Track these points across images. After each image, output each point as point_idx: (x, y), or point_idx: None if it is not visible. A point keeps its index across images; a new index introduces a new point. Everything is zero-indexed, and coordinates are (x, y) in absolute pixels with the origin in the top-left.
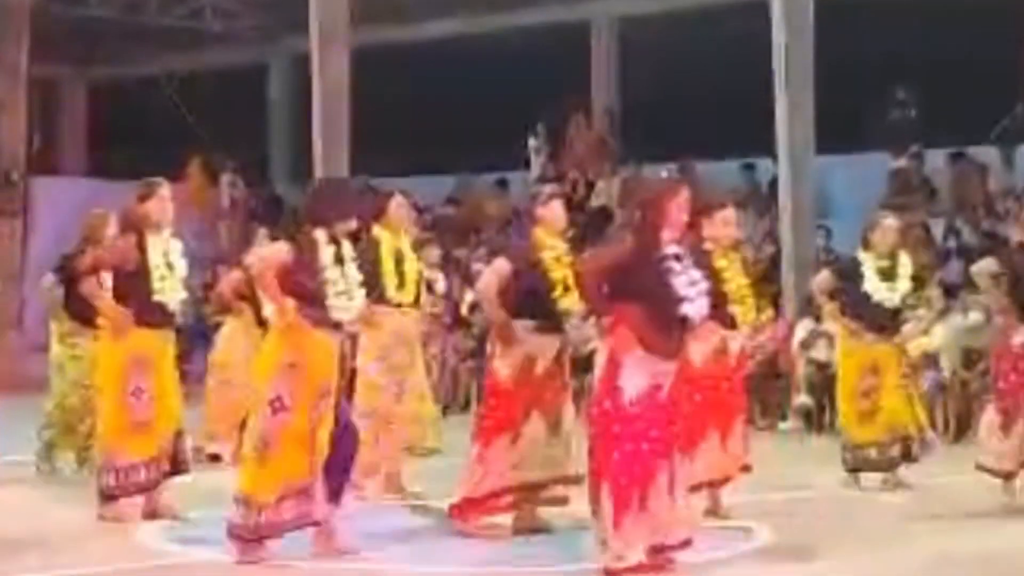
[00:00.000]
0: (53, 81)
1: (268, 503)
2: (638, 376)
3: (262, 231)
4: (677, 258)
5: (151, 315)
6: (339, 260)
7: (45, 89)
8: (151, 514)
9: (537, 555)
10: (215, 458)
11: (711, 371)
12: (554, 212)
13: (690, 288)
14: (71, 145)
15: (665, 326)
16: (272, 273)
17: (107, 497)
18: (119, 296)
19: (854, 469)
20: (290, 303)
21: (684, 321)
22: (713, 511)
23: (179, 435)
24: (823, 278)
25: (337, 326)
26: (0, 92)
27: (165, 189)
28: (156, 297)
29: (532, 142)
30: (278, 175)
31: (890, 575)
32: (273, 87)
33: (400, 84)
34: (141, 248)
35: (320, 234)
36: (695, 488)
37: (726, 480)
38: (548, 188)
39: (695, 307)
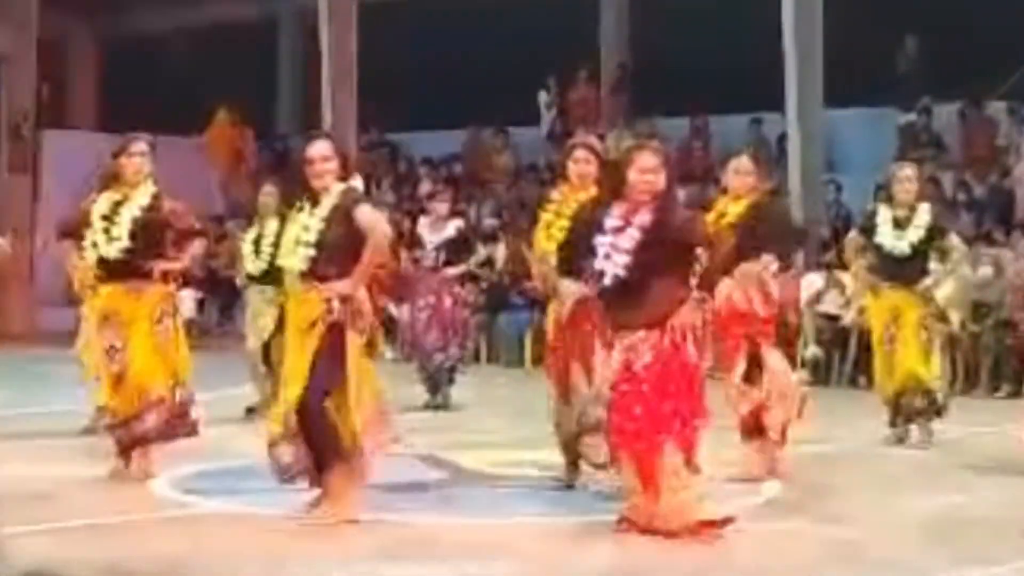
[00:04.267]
0: (63, 35)
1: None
2: (614, 352)
3: (267, 187)
4: (616, 229)
5: (100, 268)
6: (310, 215)
7: (55, 43)
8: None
9: (564, 505)
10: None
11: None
12: (572, 168)
13: (605, 260)
14: (81, 99)
15: (606, 301)
16: None
17: (122, 451)
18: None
19: (895, 425)
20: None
21: (624, 287)
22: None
23: (161, 393)
24: (852, 236)
25: (298, 274)
26: (9, 46)
27: (139, 145)
28: (98, 251)
29: (542, 97)
30: (287, 130)
31: (898, 529)
32: (282, 42)
33: (409, 38)
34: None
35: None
36: None
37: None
38: (574, 140)
39: (610, 273)
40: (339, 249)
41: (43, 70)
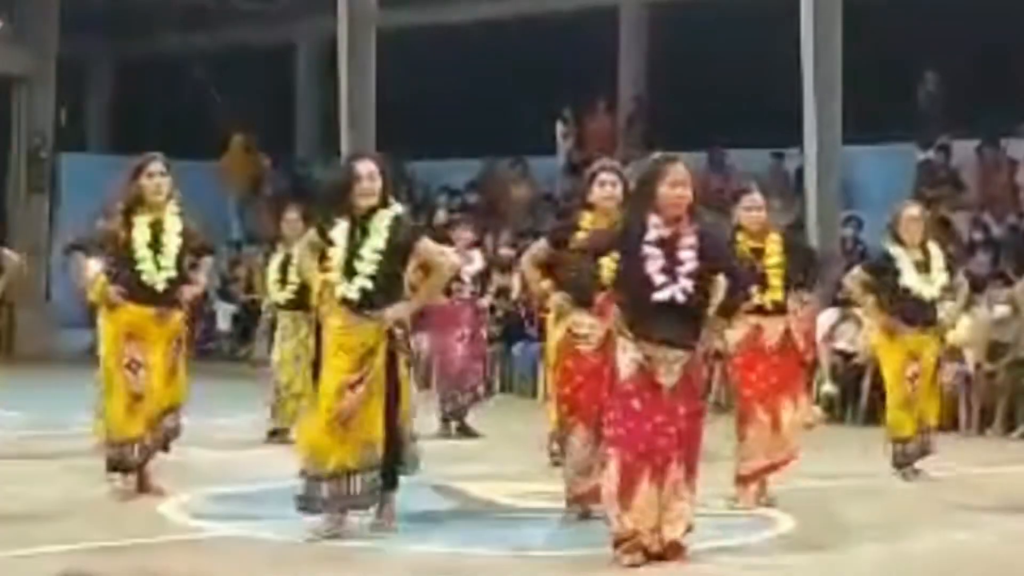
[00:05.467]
0: (82, 58)
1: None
2: (628, 357)
3: (291, 214)
4: (662, 242)
5: (138, 293)
6: (353, 237)
7: (74, 65)
8: (140, 491)
9: (574, 537)
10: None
11: (745, 358)
12: (598, 192)
13: (665, 274)
14: (99, 122)
15: (646, 311)
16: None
17: (112, 469)
18: (113, 274)
19: (902, 464)
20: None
21: (671, 306)
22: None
23: (167, 413)
24: (856, 273)
25: (346, 302)
26: (29, 68)
27: (156, 165)
28: (142, 277)
29: (560, 127)
30: (305, 156)
31: (908, 567)
32: (301, 67)
33: (428, 67)
34: (128, 225)
35: (338, 217)
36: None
37: (773, 467)
38: (597, 164)
39: (671, 291)
40: (393, 280)
41: (61, 92)
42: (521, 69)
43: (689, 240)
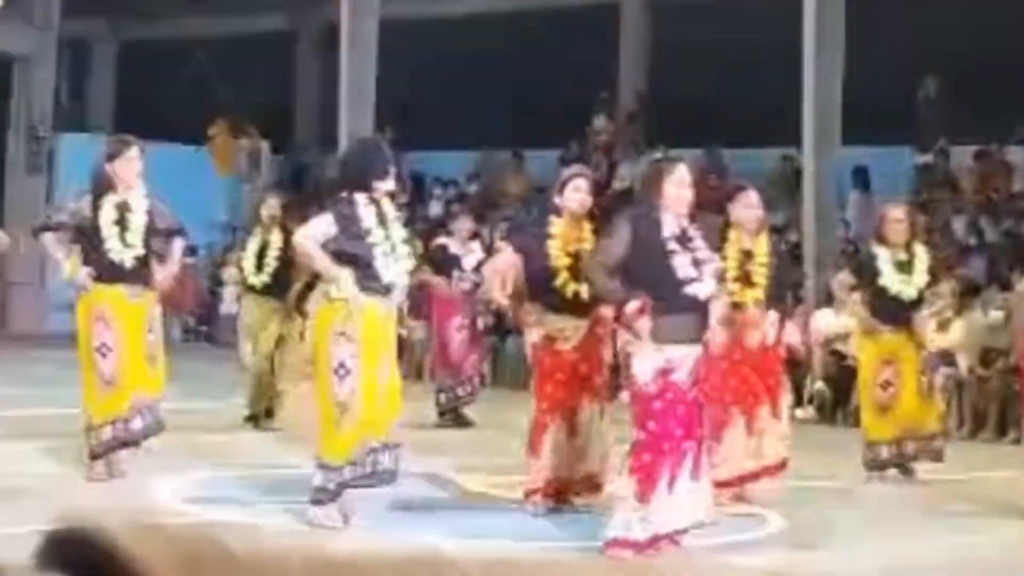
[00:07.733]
0: (83, 38)
1: (342, 466)
2: (647, 362)
3: (271, 200)
4: (679, 239)
5: (106, 272)
6: (382, 221)
7: (75, 46)
8: (109, 475)
9: (565, 529)
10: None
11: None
12: (573, 198)
13: (693, 268)
14: (99, 103)
15: (671, 311)
16: (317, 246)
17: (92, 457)
18: (84, 255)
19: (873, 467)
20: (346, 273)
21: (695, 302)
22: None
23: (147, 402)
24: (843, 277)
25: (388, 289)
26: (30, 47)
27: (133, 150)
28: (109, 255)
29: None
30: (304, 142)
31: (896, 567)
32: (302, 54)
33: (428, 58)
34: (95, 207)
35: (359, 197)
36: (726, 484)
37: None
38: (571, 170)
39: (699, 287)
40: None
41: (62, 72)
42: (521, 62)
43: (700, 242)
